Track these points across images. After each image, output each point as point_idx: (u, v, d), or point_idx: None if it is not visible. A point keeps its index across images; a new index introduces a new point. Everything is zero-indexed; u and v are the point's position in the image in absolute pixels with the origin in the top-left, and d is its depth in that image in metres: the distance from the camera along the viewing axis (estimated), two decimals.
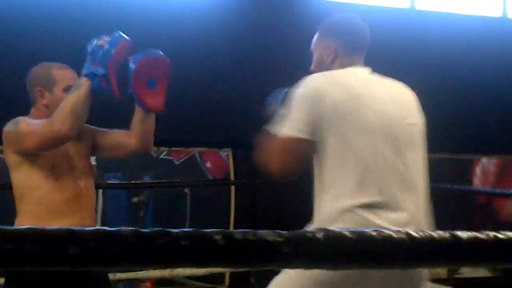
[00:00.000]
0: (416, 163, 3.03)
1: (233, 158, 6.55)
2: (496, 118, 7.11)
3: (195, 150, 8.09)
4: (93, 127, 3.63)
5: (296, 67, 5.65)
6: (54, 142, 3.30)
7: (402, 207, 2.99)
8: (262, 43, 6.27)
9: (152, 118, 3.57)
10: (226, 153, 9.49)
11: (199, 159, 8.87)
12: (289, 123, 2.95)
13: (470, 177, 8.54)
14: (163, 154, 8.44)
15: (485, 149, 7.49)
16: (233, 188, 6.47)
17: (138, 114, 3.53)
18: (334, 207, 2.99)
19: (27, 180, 3.40)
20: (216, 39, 6.03)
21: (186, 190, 8.35)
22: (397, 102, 3.19)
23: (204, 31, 5.98)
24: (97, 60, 3.30)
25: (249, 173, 6.28)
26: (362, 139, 2.93)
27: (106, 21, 5.58)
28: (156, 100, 3.44)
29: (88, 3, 5.88)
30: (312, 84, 3.09)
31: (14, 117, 3.37)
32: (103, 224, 8.07)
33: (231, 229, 6.13)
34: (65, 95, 3.36)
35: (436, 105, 6.66)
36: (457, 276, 7.44)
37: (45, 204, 3.41)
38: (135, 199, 8.77)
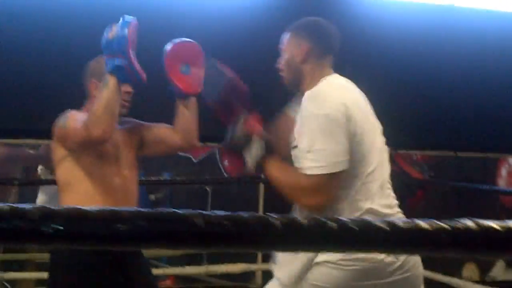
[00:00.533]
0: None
1: None
2: None
3: (216, 148, 8.02)
4: (141, 122, 3.66)
5: (338, 67, 5.61)
6: (92, 144, 3.33)
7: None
8: None
9: (193, 113, 3.59)
10: None
11: (218, 157, 8.83)
12: (326, 158, 2.85)
13: (495, 176, 8.47)
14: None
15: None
16: (261, 186, 6.39)
17: (178, 108, 3.57)
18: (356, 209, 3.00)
19: (73, 170, 3.43)
20: (255, 38, 5.98)
21: (208, 188, 8.27)
22: (368, 108, 3.24)
23: (243, 31, 5.94)
24: (114, 51, 3.27)
25: None
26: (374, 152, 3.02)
27: (146, 20, 5.55)
28: (191, 84, 3.46)
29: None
30: (336, 105, 3.00)
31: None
32: None
33: None
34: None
35: (466, 102, 6.65)
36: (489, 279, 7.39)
37: (90, 195, 3.42)
38: (152, 197, 8.69)
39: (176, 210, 1.21)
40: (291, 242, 1.25)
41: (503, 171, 8.33)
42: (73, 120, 3.36)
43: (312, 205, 2.99)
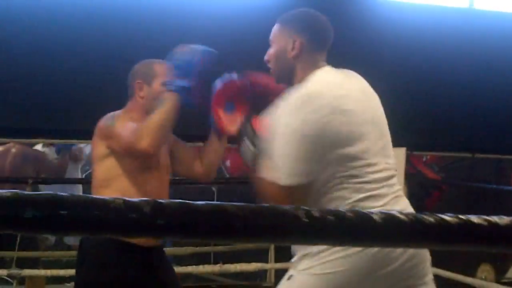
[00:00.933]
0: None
1: None
2: None
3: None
4: (173, 135, 3.68)
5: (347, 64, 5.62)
6: (135, 155, 3.38)
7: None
8: None
9: (222, 149, 3.65)
10: None
11: None
12: (287, 170, 2.79)
13: (509, 178, 8.48)
14: None
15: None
16: None
17: (211, 144, 3.61)
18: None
19: (114, 168, 3.48)
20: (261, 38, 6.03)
21: (213, 188, 8.31)
22: (370, 99, 3.16)
23: (252, 31, 5.96)
24: (183, 72, 3.34)
25: None
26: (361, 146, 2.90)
27: (162, 25, 5.62)
28: (231, 124, 3.42)
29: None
30: (312, 117, 2.90)
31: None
32: None
33: None
34: (161, 88, 3.44)
35: (481, 104, 6.67)
36: (505, 280, 7.38)
37: (126, 195, 3.36)
38: None
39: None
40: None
41: None
42: (122, 124, 3.41)
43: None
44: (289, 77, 3.16)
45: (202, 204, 1.18)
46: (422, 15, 6.43)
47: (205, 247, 7.08)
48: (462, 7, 6.69)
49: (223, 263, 5.74)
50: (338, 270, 2.93)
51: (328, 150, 2.88)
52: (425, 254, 3.06)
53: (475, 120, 6.61)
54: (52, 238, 7.28)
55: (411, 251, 2.98)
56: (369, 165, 2.90)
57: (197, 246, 6.73)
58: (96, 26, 5.78)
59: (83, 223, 1.14)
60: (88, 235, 1.24)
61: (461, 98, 6.45)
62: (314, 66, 3.13)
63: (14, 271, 5.81)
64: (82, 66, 5.59)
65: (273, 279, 6.33)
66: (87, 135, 3.95)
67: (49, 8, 5.79)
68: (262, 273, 6.58)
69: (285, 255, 6.08)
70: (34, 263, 6.74)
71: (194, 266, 5.80)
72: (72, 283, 6.81)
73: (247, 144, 3.21)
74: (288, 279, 3.06)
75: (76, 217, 1.12)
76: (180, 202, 1.20)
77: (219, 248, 6.89)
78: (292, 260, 3.11)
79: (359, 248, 2.87)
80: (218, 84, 3.37)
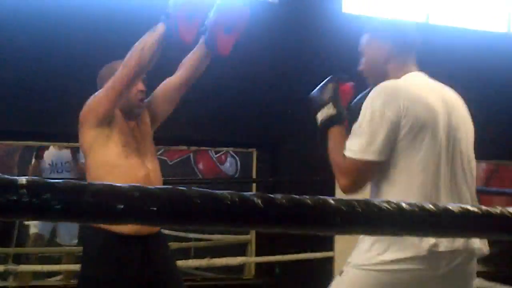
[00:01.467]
0: (463, 172, 3.06)
1: (256, 157, 6.86)
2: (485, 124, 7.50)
3: (194, 151, 8.38)
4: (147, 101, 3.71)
5: (323, 74, 5.95)
6: (133, 77, 3.41)
7: None
8: (291, 51, 6.59)
9: (206, 63, 3.71)
10: (218, 155, 9.82)
11: (193, 160, 9.18)
12: (366, 145, 2.87)
13: None
14: (158, 153, 8.66)
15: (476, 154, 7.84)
16: (254, 186, 6.76)
17: (198, 53, 3.66)
18: None
19: (101, 160, 3.51)
20: (247, 43, 6.31)
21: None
22: (455, 110, 3.19)
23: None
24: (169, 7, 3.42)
25: (270, 172, 6.64)
26: (431, 154, 2.94)
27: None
28: (227, 45, 3.58)
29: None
30: (392, 98, 3.01)
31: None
32: None
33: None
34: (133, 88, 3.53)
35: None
36: None
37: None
38: None
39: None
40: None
41: None
42: (99, 92, 3.45)
43: (341, 185, 3.05)
44: (383, 81, 3.18)
45: (193, 191, 1.17)
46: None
47: (187, 243, 7.29)
48: (420, 21, 7.13)
49: (202, 258, 5.82)
50: (396, 269, 2.95)
51: (403, 136, 2.94)
52: (474, 260, 3.08)
53: None
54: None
55: (462, 252, 3.00)
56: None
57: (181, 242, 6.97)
58: (65, 27, 5.99)
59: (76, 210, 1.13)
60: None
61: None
62: (404, 70, 3.23)
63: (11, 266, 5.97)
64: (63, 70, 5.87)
65: (253, 272, 6.58)
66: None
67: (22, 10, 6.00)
68: (239, 267, 6.74)
69: (264, 250, 6.47)
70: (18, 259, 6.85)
71: (183, 260, 5.96)
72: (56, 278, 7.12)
73: (329, 106, 3.25)
74: (340, 274, 3.08)
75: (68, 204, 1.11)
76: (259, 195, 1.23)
77: (202, 243, 7.21)
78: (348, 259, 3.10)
79: (421, 245, 2.90)
80: (220, 8, 3.48)
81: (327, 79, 3.33)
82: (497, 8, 7.65)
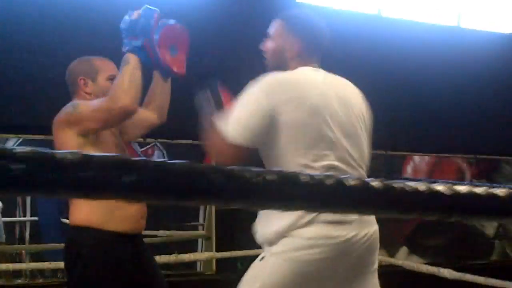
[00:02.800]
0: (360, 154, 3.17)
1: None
2: (431, 118, 7.66)
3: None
4: None
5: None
6: (119, 117, 3.39)
7: None
8: (244, 41, 6.44)
9: (169, 90, 3.76)
10: (143, 149, 9.73)
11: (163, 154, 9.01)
12: (237, 127, 2.96)
13: (400, 174, 8.95)
14: None
15: (417, 147, 7.99)
16: None
17: (157, 86, 3.70)
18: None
19: None
20: (197, 35, 6.23)
21: None
22: (347, 102, 3.28)
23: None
24: (137, 33, 3.42)
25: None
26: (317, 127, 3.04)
27: (96, 20, 5.75)
28: (180, 65, 3.62)
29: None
30: (265, 86, 3.10)
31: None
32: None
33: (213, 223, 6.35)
34: (109, 83, 3.46)
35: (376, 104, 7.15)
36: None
37: None
38: None
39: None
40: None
41: (408, 169, 8.89)
42: (85, 105, 3.39)
43: (219, 162, 3.14)
44: (281, 71, 3.23)
45: (174, 163, 1.11)
46: (337, 20, 6.73)
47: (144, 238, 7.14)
48: (371, 13, 7.20)
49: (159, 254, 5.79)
50: (312, 258, 3.05)
51: (276, 131, 3.03)
52: (377, 243, 3.23)
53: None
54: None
55: (370, 238, 3.14)
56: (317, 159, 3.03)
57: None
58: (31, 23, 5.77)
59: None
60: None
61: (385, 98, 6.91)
62: (304, 65, 3.26)
63: None
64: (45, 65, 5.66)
65: (214, 267, 6.52)
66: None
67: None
68: (191, 264, 6.73)
69: (225, 245, 6.40)
70: None
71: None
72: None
73: (211, 104, 3.30)
74: (261, 260, 3.18)
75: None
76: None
77: (157, 239, 7.06)
78: (257, 236, 3.24)
79: (334, 235, 3.02)
80: (160, 28, 3.49)
81: (207, 88, 3.38)
82: (447, 2, 7.75)
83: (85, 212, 3.50)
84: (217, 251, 6.32)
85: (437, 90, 7.48)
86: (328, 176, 1.21)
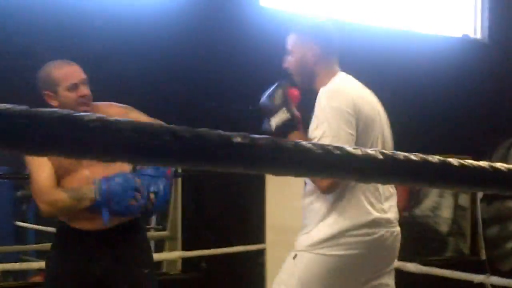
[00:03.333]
0: None
1: None
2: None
3: None
4: None
5: (241, 67, 5.96)
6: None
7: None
8: (207, 45, 6.58)
9: None
10: None
11: None
12: (335, 142, 2.96)
13: None
14: None
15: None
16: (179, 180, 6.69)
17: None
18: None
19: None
20: (159, 39, 6.30)
21: None
22: (380, 109, 3.48)
23: (147, 35, 6.23)
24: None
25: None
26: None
27: (61, 24, 5.78)
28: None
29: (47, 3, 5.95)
30: (348, 97, 3.24)
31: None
32: None
33: (179, 223, 6.41)
34: (69, 94, 3.43)
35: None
36: None
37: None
38: (19, 193, 8.74)
39: None
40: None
41: None
42: (36, 164, 3.44)
43: (323, 187, 3.24)
44: (310, 81, 3.42)
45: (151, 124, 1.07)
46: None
47: None
48: (336, 19, 7.09)
49: None
50: (346, 254, 3.25)
51: (358, 133, 3.21)
52: (399, 243, 3.44)
53: None
54: None
55: (396, 237, 3.38)
56: None
57: None
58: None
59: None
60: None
61: None
62: (332, 70, 3.41)
63: None
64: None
65: (179, 267, 6.52)
66: None
67: None
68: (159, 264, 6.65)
69: (192, 245, 6.45)
70: None
71: None
72: None
73: (283, 110, 3.34)
74: (294, 258, 3.32)
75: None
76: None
77: None
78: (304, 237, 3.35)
79: (368, 231, 3.26)
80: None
81: (276, 84, 3.45)
82: (401, 7, 7.94)
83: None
84: (183, 250, 6.34)
85: (392, 93, 7.63)
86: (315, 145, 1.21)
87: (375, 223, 3.31)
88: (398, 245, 3.46)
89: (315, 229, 3.33)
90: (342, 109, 3.20)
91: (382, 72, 7.36)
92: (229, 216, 6.56)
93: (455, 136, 7.95)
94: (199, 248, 6.29)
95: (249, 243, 6.37)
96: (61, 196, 3.41)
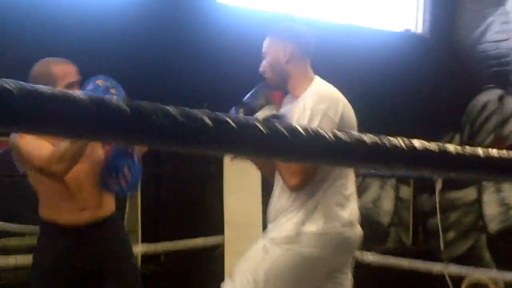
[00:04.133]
0: None
1: None
2: None
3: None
4: None
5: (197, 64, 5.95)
6: (47, 176, 3.49)
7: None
8: (163, 41, 6.59)
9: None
10: None
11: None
12: None
13: None
14: None
15: None
16: None
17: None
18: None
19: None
20: (113, 35, 6.26)
21: None
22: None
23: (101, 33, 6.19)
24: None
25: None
26: None
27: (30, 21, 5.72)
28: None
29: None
30: (334, 102, 3.33)
31: None
32: None
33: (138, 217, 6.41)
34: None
35: None
36: None
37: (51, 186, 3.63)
38: None
39: None
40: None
41: None
42: (29, 142, 3.44)
43: (292, 185, 3.35)
44: (283, 81, 3.48)
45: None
46: (254, 20, 6.91)
47: None
48: (286, 13, 7.36)
49: None
50: (316, 251, 3.35)
51: None
52: (359, 244, 3.57)
53: None
54: None
55: (360, 237, 3.52)
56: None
57: None
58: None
59: None
60: None
61: None
62: (305, 71, 3.49)
63: None
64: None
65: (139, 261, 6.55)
66: None
67: None
68: None
69: (151, 239, 6.44)
70: None
71: None
72: None
73: (270, 106, 3.44)
74: (263, 249, 3.41)
75: None
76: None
77: None
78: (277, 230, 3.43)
79: (339, 231, 3.38)
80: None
81: (257, 86, 3.53)
82: (348, 2, 8.09)
83: (41, 204, 3.69)
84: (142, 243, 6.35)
85: (336, 87, 7.74)
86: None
87: (345, 224, 3.42)
88: (359, 243, 3.60)
89: (286, 224, 3.41)
90: (327, 114, 3.29)
91: (327, 66, 7.39)
92: (188, 210, 6.60)
93: (397, 129, 8.08)
94: (159, 241, 6.32)
95: (208, 237, 6.44)
96: (62, 145, 3.39)
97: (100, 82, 3.50)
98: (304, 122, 3.26)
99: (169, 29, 6.56)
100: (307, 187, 3.37)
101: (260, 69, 3.54)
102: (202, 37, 6.67)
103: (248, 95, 3.51)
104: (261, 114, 3.42)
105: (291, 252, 3.36)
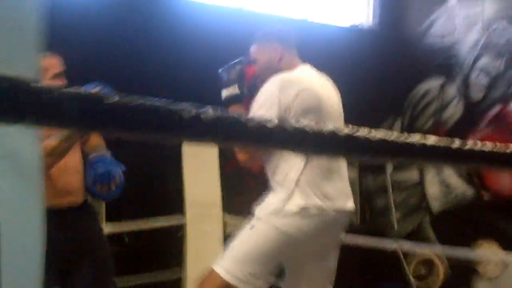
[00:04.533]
0: None
1: None
2: None
3: None
4: None
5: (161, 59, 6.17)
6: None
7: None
8: (128, 37, 6.64)
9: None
10: None
11: None
12: None
13: None
14: None
15: None
16: None
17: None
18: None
19: None
20: (79, 31, 6.25)
21: None
22: (334, 96, 3.73)
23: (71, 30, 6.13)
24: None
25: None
26: None
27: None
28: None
29: None
30: (285, 81, 3.39)
31: None
32: None
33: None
34: (53, 82, 3.48)
35: None
36: None
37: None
38: None
39: None
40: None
41: None
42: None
43: (241, 159, 3.46)
44: None
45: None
46: (208, 14, 7.03)
47: None
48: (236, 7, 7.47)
49: None
50: (298, 230, 3.38)
51: (291, 117, 3.32)
52: (345, 225, 3.59)
53: None
54: None
55: (350, 212, 3.55)
56: None
57: None
58: None
59: None
60: None
61: None
62: (294, 63, 3.62)
63: None
64: None
65: None
66: None
67: None
68: None
69: (115, 220, 6.53)
70: None
71: None
72: None
73: (234, 86, 3.53)
74: (251, 228, 3.45)
75: None
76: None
77: None
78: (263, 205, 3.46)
79: (324, 207, 3.40)
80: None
81: (236, 60, 3.65)
82: None
83: None
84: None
85: None
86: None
87: (328, 199, 3.47)
88: (345, 225, 3.64)
89: (271, 200, 3.50)
90: (281, 99, 3.37)
91: None
92: (150, 190, 6.61)
93: (345, 116, 8.33)
94: (121, 221, 6.38)
95: (170, 216, 6.52)
96: (52, 141, 3.45)
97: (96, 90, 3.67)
98: (260, 106, 3.38)
99: (132, 27, 6.61)
100: (287, 164, 3.44)
101: (255, 75, 3.65)
102: (166, 34, 6.72)
103: (226, 66, 3.63)
104: (226, 92, 3.56)
105: (274, 227, 3.40)
